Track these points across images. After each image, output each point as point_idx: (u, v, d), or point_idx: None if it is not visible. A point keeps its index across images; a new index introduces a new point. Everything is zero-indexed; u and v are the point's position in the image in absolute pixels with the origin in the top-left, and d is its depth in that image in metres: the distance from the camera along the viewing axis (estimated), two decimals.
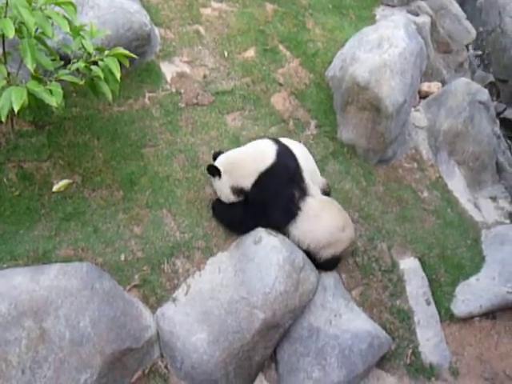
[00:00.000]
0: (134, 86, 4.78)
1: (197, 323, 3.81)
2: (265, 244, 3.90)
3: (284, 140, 4.19)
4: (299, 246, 4.13)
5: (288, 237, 4.10)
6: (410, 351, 4.46)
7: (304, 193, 4.05)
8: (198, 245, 4.16)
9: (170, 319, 3.84)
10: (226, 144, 4.72)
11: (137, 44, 4.72)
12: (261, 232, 3.99)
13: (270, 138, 4.21)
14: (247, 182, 4.03)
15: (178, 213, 4.28)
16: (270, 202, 4.02)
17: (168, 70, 5.01)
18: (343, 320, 4.15)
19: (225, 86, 5.10)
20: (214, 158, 4.27)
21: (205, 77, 5.09)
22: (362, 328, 4.14)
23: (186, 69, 5.08)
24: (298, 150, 4.17)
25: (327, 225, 4.14)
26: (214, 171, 4.11)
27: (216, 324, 3.78)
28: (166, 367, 3.89)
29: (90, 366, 3.38)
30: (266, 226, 4.08)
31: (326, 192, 4.38)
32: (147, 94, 4.80)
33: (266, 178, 3.97)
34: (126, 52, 3.84)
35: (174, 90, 4.91)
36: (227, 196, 4.17)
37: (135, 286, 3.92)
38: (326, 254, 4.23)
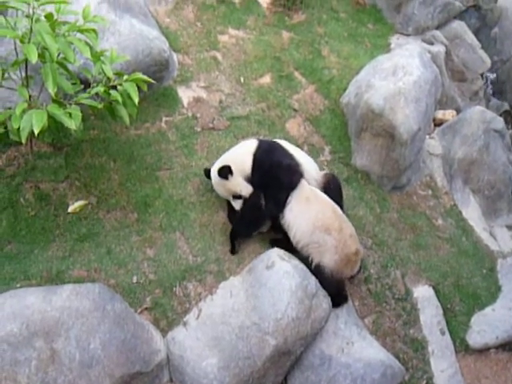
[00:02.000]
0: (152, 110, 4.85)
1: (207, 348, 3.78)
2: (277, 269, 3.88)
3: None
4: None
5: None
6: (424, 382, 4.37)
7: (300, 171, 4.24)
8: (210, 269, 4.16)
9: (181, 343, 3.81)
10: None
11: (155, 69, 4.81)
12: (273, 257, 3.97)
13: None
14: (247, 170, 4.21)
15: (191, 236, 4.29)
16: (270, 180, 4.19)
17: (185, 94, 5.09)
18: (355, 348, 4.08)
19: (240, 111, 5.16)
20: (207, 175, 4.40)
21: (221, 102, 5.15)
22: (375, 357, 4.07)
23: (203, 94, 5.15)
24: (284, 143, 4.45)
25: (312, 214, 4.11)
26: (226, 171, 4.21)
27: (227, 349, 3.75)
28: None
29: None
30: (279, 208, 4.17)
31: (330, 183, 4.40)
32: (164, 118, 4.88)
33: (257, 161, 4.20)
34: (145, 77, 3.92)
35: (190, 115, 4.98)
36: (247, 187, 4.23)
37: (146, 308, 3.92)
38: (315, 258, 4.09)
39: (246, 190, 4.24)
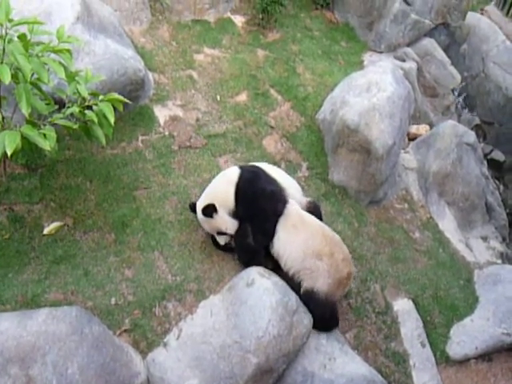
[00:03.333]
0: (128, 129, 4.83)
1: (189, 369, 3.72)
2: (257, 286, 3.87)
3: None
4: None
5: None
6: None
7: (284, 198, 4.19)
8: (189, 288, 4.12)
9: (161, 365, 3.75)
10: None
11: (131, 88, 4.80)
12: (253, 274, 3.95)
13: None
14: (230, 203, 4.13)
15: (170, 255, 4.25)
16: (255, 210, 4.13)
17: (161, 113, 5.09)
18: (338, 364, 4.07)
19: (217, 129, 5.18)
20: (193, 209, 4.29)
21: (197, 120, 5.17)
22: (357, 372, 4.06)
23: (179, 112, 5.16)
24: (266, 166, 4.38)
25: (301, 242, 4.09)
26: (211, 210, 4.11)
27: (208, 369, 3.70)
28: None
29: None
30: (267, 238, 4.14)
31: (312, 211, 4.34)
32: (140, 137, 4.86)
33: (240, 191, 4.12)
34: (120, 97, 3.91)
35: (166, 133, 4.97)
36: (233, 224, 4.17)
37: (125, 330, 3.85)
38: (308, 284, 4.08)
39: (232, 226, 4.18)
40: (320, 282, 4.08)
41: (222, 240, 4.28)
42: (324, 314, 4.13)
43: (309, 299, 4.08)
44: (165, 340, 3.86)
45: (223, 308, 3.93)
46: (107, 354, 3.51)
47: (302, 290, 4.11)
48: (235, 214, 4.15)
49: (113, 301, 3.92)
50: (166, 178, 4.68)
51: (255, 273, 3.96)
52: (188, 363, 3.74)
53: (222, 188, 4.18)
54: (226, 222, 4.16)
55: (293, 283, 4.09)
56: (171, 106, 5.18)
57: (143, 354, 3.81)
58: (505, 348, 4.83)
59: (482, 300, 5.11)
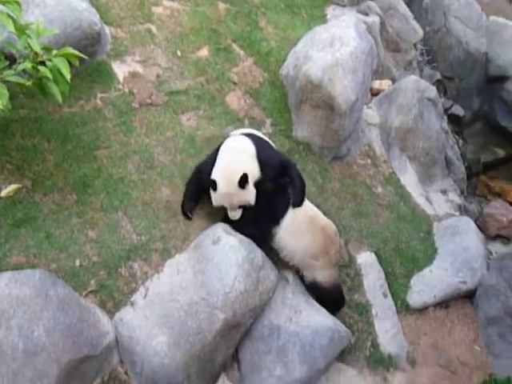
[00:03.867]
0: (85, 87, 4.65)
1: (157, 327, 3.75)
2: (223, 244, 3.89)
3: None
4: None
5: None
6: (369, 343, 4.56)
7: None
8: (155, 247, 4.10)
9: (129, 324, 3.76)
10: (181, 144, 4.66)
11: (86, 43, 4.59)
12: (219, 232, 3.96)
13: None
14: (256, 174, 4.01)
15: (134, 215, 4.20)
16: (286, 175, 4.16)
17: (120, 69, 4.90)
18: (303, 316, 4.18)
19: (179, 85, 5.04)
20: (214, 186, 3.94)
21: (158, 76, 5.01)
22: (322, 323, 4.19)
23: (139, 68, 4.98)
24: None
25: (303, 246, 4.23)
26: (245, 179, 3.88)
27: (176, 326, 3.73)
28: (125, 373, 3.81)
29: (46, 376, 3.27)
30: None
31: None
32: (99, 95, 4.68)
33: (264, 158, 4.04)
34: (76, 52, 3.72)
35: (126, 90, 4.81)
36: (254, 195, 4.03)
37: (91, 291, 3.82)
38: (309, 276, 4.32)
39: (254, 198, 4.04)
40: (319, 275, 4.31)
41: (238, 214, 4.05)
42: (332, 299, 4.41)
43: (315, 289, 4.35)
44: (132, 299, 3.86)
45: (190, 266, 3.95)
46: (73, 315, 3.49)
47: (305, 281, 4.36)
48: (255, 186, 4.03)
49: (77, 262, 3.86)
50: (127, 136, 4.56)
51: (221, 230, 3.97)
52: (156, 321, 3.77)
53: (244, 159, 4.00)
54: (252, 193, 4.00)
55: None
56: (130, 61, 4.98)
57: (110, 313, 3.80)
58: (461, 295, 5.08)
59: (440, 251, 5.32)
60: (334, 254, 4.36)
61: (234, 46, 5.55)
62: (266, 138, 4.44)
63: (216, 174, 3.96)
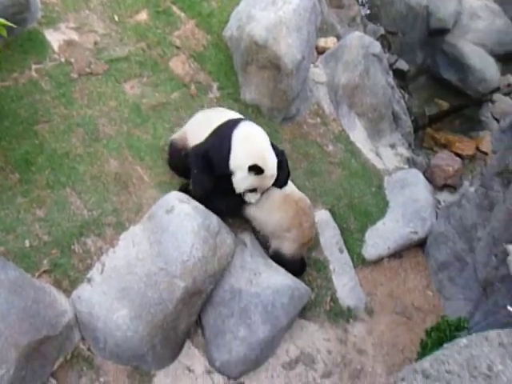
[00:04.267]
0: (18, 58, 4.39)
1: (116, 301, 3.71)
2: (178, 212, 3.83)
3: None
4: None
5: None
6: (329, 298, 4.68)
7: None
8: (108, 221, 4.01)
9: (88, 300, 3.71)
10: (126, 114, 4.52)
11: (14, 11, 4.29)
12: (172, 201, 3.90)
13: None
14: None
15: (83, 190, 4.07)
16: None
17: (54, 38, 4.64)
18: (263, 278, 4.23)
19: (119, 52, 4.83)
20: (259, 170, 3.96)
21: (96, 44, 4.78)
22: (282, 283, 4.25)
23: (74, 36, 4.73)
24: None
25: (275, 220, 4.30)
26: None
27: (136, 299, 3.70)
28: (89, 349, 3.79)
29: (5, 361, 3.18)
30: None
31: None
32: (33, 66, 4.43)
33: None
34: (2, 20, 3.49)
35: (63, 60, 4.57)
36: None
37: (45, 271, 3.73)
38: (274, 245, 4.39)
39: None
40: (286, 246, 4.37)
41: (255, 197, 4.12)
42: (293, 268, 4.44)
43: (277, 258, 4.40)
44: (88, 276, 3.79)
45: (145, 237, 3.89)
46: (28, 297, 3.39)
47: (270, 250, 4.43)
48: None
49: (27, 243, 3.74)
50: (68, 109, 4.36)
51: (174, 199, 3.91)
52: (115, 295, 3.73)
53: (269, 144, 4.11)
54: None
55: (262, 238, 4.43)
56: (64, 29, 4.72)
57: (67, 292, 3.73)
58: (413, 245, 5.27)
59: (391, 204, 5.46)
60: (309, 228, 4.41)
61: (174, 8, 5.35)
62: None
63: (255, 159, 3.94)
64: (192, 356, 4.08)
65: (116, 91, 4.62)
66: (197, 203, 3.98)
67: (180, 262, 3.72)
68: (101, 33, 4.86)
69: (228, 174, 4.00)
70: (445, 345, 1.50)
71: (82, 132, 4.30)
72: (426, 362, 1.40)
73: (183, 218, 3.82)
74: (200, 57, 5.16)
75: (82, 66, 4.60)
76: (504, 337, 1.47)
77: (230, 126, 4.08)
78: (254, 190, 4.09)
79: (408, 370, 1.39)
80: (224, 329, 4.09)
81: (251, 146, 4.02)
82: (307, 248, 4.61)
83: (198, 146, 4.11)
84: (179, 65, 5.02)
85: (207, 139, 4.09)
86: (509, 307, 2.37)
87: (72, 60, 4.59)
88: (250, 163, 3.91)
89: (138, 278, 3.74)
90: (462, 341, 1.49)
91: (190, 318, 3.99)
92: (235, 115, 4.30)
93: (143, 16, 5.14)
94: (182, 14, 5.33)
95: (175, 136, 4.38)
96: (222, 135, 4.05)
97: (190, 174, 4.14)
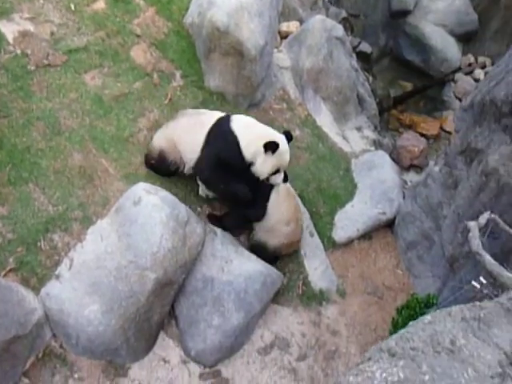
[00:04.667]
0: None
1: (87, 296, 3.67)
2: (145, 203, 3.79)
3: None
4: None
5: None
6: (301, 282, 4.72)
7: None
8: (74, 216, 3.94)
9: (57, 297, 3.66)
10: (88, 105, 4.42)
11: None
12: (139, 192, 3.85)
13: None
14: None
15: (47, 185, 3.98)
16: None
17: (8, 29, 4.48)
18: (235, 265, 4.24)
19: (77, 42, 4.70)
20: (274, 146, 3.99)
21: (52, 34, 4.64)
22: (254, 269, 4.27)
23: (30, 26, 4.58)
24: None
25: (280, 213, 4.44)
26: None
27: (107, 293, 3.67)
28: (61, 346, 3.75)
29: None
30: None
31: None
32: None
33: None
34: None
35: (18, 52, 4.42)
36: None
37: (11, 270, 3.65)
38: (261, 238, 4.47)
39: None
40: (275, 241, 4.46)
41: (280, 177, 4.17)
42: (267, 261, 4.48)
43: (257, 250, 4.47)
44: (56, 272, 3.74)
45: (113, 231, 3.84)
46: None
47: (253, 240, 4.51)
48: None
49: None
50: (27, 102, 4.24)
51: (141, 190, 3.86)
52: (85, 291, 3.68)
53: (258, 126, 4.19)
54: None
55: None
56: (18, 19, 4.56)
57: (36, 290, 3.68)
58: (382, 225, 5.35)
59: (359, 186, 5.53)
60: (300, 227, 4.62)
61: None
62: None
63: (267, 138, 3.97)
64: (167, 347, 4.07)
65: (76, 83, 4.50)
66: (164, 193, 3.94)
67: (150, 253, 3.69)
68: (57, 23, 4.72)
69: (246, 168, 4.01)
70: (410, 322, 1.53)
71: (42, 126, 4.19)
72: (392, 341, 1.42)
73: (151, 209, 3.78)
74: (161, 45, 5.07)
75: (39, 57, 4.46)
76: (466, 311, 1.51)
77: (224, 123, 4.08)
78: (276, 172, 4.09)
79: (374, 350, 1.42)
80: (198, 318, 4.09)
81: (255, 130, 4.09)
82: (289, 250, 4.70)
83: (205, 161, 4.09)
84: (140, 54, 4.92)
85: (208, 146, 4.07)
86: (473, 282, 2.45)
87: (28, 52, 4.45)
88: (263, 143, 3.94)
89: (107, 272, 3.70)
90: (427, 317, 1.52)
91: (162, 309, 3.97)
92: (219, 114, 4.27)
93: (101, 4, 5.01)
94: (141, 2, 5.21)
95: (162, 144, 4.25)
96: (223, 134, 4.05)
97: (216, 191, 4.24)
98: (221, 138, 4.03)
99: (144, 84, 4.76)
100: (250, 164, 4.02)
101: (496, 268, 2.26)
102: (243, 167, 4.01)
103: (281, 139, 4.08)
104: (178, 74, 5.01)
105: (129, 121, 4.51)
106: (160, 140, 4.27)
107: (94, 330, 3.63)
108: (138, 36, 4.99)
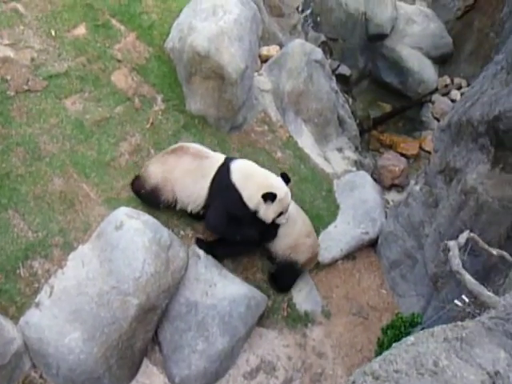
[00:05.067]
0: None
1: (68, 323, 3.60)
2: (127, 228, 3.76)
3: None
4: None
5: None
6: (286, 304, 4.70)
7: None
8: (55, 242, 3.89)
9: (37, 326, 3.58)
10: (69, 130, 4.40)
11: None
12: (121, 217, 3.82)
13: None
14: None
15: (27, 211, 3.93)
16: None
17: None
18: (218, 288, 4.20)
19: (57, 68, 4.70)
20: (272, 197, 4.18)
21: (33, 60, 4.63)
22: (238, 292, 4.24)
23: (10, 53, 4.57)
24: None
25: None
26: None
27: (89, 320, 3.61)
28: (41, 377, 3.67)
29: None
30: None
31: None
32: None
33: None
34: None
35: None
36: None
37: None
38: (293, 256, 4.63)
39: None
40: (302, 256, 4.64)
41: (285, 218, 4.39)
42: (291, 282, 4.70)
43: (289, 269, 4.60)
44: (36, 300, 3.67)
45: (95, 256, 3.80)
46: None
47: (279, 262, 4.60)
48: None
49: None
50: (6, 127, 4.21)
51: (123, 215, 3.84)
52: (66, 318, 3.62)
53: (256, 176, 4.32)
54: None
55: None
56: None
57: (14, 319, 3.61)
58: (365, 245, 5.38)
59: (342, 206, 5.56)
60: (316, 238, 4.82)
61: (113, 21, 5.25)
62: None
63: (264, 189, 4.15)
64: (150, 374, 4.00)
65: (57, 108, 4.49)
66: (146, 217, 3.92)
67: (132, 279, 3.65)
68: (38, 48, 4.71)
69: (253, 215, 4.24)
70: (393, 344, 1.53)
71: (22, 151, 4.15)
72: (375, 364, 1.42)
73: (133, 233, 3.75)
74: (143, 69, 5.09)
75: (18, 83, 4.44)
76: (448, 332, 1.52)
77: (224, 174, 4.22)
78: (280, 214, 4.30)
79: (358, 373, 1.41)
80: (182, 343, 4.04)
81: (254, 180, 4.25)
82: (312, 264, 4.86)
83: (213, 215, 4.26)
84: (122, 78, 4.93)
85: (214, 201, 4.24)
86: (456, 301, 2.46)
87: (8, 77, 4.43)
88: (262, 194, 4.15)
89: (89, 299, 3.64)
90: (410, 339, 1.52)
91: (146, 335, 3.91)
92: (220, 159, 4.36)
93: (81, 30, 5.02)
94: (122, 27, 5.24)
95: (158, 180, 4.24)
96: (226, 189, 4.20)
97: (226, 236, 4.35)
98: (225, 194, 4.22)
99: (125, 108, 4.76)
100: (255, 211, 4.25)
101: (476, 287, 2.28)
102: (250, 215, 4.25)
103: (278, 185, 4.27)
104: (159, 98, 5.03)
105: (110, 145, 4.50)
106: (156, 174, 4.24)
107: (75, 358, 3.56)
108: (118, 61, 5.00)
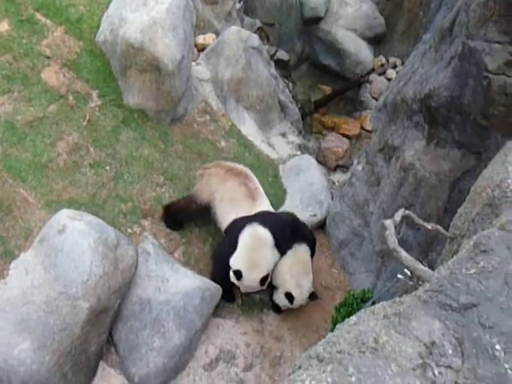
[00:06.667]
0: None
1: (15, 334, 3.48)
2: (71, 231, 3.65)
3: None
4: None
5: None
6: (240, 292, 4.71)
7: None
8: None
9: None
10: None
11: None
12: (63, 219, 3.70)
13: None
14: None
15: None
16: None
17: None
18: (171, 283, 4.16)
19: None
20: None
21: None
22: (191, 285, 4.21)
23: None
24: None
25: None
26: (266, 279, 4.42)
27: (38, 328, 3.50)
28: None
29: None
30: None
31: None
32: None
33: None
34: None
35: None
36: None
37: None
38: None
39: None
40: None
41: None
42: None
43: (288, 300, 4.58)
44: None
45: (39, 262, 3.67)
46: None
47: (283, 292, 4.58)
48: None
49: None
50: None
51: (65, 217, 3.72)
52: (13, 329, 3.49)
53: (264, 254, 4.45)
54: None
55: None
56: None
57: None
58: (314, 228, 5.45)
59: (289, 191, 5.62)
60: None
61: (38, 15, 5.01)
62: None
63: (240, 265, 4.26)
64: (108, 376, 3.94)
65: None
66: (90, 218, 3.82)
67: (80, 282, 3.56)
68: None
69: None
70: (337, 325, 1.57)
71: None
72: (320, 347, 1.45)
73: (77, 235, 3.65)
74: (74, 65, 4.91)
75: None
76: (388, 308, 1.57)
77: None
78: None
79: (304, 358, 1.44)
80: (138, 342, 3.98)
81: (244, 252, 4.37)
82: None
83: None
84: (52, 75, 4.74)
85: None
86: (399, 275, 2.56)
87: None
88: (233, 268, 4.28)
89: (36, 307, 3.53)
90: (352, 319, 1.57)
91: (99, 337, 3.83)
92: (261, 205, 4.72)
93: (4, 26, 4.77)
94: (48, 21, 5.02)
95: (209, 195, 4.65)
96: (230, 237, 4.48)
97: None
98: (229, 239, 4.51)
99: (59, 107, 4.59)
100: None
101: (412, 263, 2.38)
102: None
103: (249, 274, 4.34)
104: (94, 93, 4.87)
105: (46, 146, 4.33)
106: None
107: (26, 369, 3.44)
108: (47, 57, 4.79)
